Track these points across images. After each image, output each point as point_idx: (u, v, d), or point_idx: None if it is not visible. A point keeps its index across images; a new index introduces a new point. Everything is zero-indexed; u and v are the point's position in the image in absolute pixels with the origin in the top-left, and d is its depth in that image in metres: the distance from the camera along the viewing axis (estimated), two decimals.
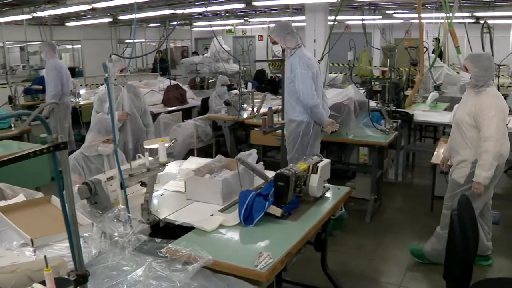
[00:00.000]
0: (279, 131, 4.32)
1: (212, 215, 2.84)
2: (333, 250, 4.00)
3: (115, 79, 2.42)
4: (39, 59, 15.58)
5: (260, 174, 3.32)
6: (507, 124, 3.91)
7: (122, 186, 2.54)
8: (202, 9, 8.11)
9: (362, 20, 9.51)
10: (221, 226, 2.70)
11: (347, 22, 11.88)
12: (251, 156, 3.33)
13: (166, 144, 2.76)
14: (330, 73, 10.45)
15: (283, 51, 4.50)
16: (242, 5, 9.70)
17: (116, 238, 2.48)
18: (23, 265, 1.71)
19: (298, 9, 10.71)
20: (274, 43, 4.59)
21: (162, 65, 14.96)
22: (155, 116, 6.92)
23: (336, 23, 8.09)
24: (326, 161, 3.27)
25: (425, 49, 7.41)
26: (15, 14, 10.47)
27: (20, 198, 3.15)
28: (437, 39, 10.82)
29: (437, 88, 7.71)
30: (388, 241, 4.84)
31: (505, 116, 3.83)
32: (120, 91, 4.91)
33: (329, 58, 9.07)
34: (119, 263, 2.33)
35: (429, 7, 9.66)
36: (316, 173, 3.12)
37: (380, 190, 5.74)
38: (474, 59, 3.82)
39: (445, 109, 7.27)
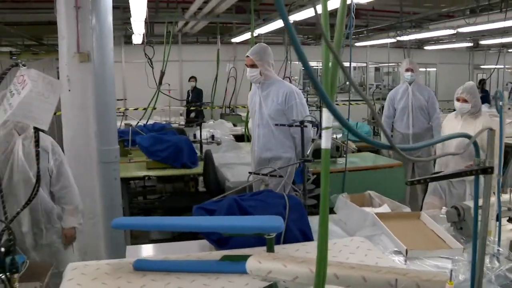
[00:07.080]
0: None
1: None
2: None
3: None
4: (391, 79, 16.47)
5: None
6: None
7: (498, 218, 2.49)
8: None
9: None
10: None
11: None
12: None
13: None
14: None
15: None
16: None
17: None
18: (412, 271, 1.87)
19: None
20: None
21: None
22: None
23: None
24: None
25: None
26: (381, 38, 11.51)
27: (385, 208, 3.40)
28: None
29: None
30: None
31: None
32: None
33: None
34: None
35: None
36: None
37: None
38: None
39: None
